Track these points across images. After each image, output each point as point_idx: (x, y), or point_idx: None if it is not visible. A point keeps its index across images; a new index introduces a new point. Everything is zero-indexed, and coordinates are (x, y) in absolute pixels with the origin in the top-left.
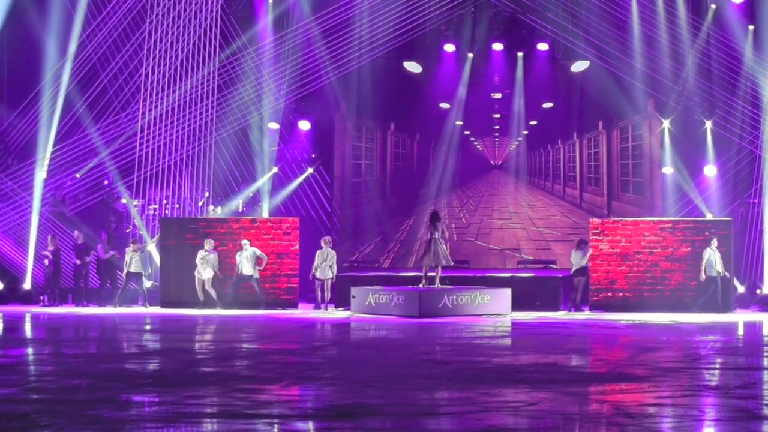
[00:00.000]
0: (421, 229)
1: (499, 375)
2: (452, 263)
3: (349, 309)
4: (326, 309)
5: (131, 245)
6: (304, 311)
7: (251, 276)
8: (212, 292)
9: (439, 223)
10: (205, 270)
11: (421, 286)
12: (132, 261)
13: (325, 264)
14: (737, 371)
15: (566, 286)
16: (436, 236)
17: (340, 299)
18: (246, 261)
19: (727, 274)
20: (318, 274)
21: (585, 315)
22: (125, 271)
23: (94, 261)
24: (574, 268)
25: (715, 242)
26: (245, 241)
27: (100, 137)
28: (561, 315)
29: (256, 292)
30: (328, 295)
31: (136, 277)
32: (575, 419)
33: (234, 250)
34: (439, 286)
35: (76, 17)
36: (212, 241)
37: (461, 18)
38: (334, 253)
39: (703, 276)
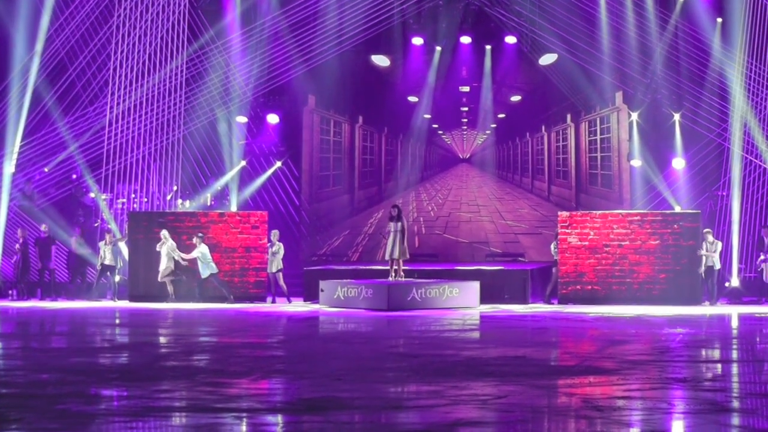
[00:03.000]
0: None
1: (468, 368)
2: (407, 257)
3: (317, 302)
4: (274, 302)
5: (106, 237)
6: (273, 306)
7: (212, 274)
8: (170, 287)
9: (396, 216)
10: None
11: (390, 279)
12: (106, 254)
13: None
14: (706, 364)
15: (538, 278)
16: (398, 229)
17: (309, 293)
18: (199, 263)
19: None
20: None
21: (553, 308)
22: (99, 264)
23: (64, 255)
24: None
25: (708, 237)
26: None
27: (68, 131)
28: (529, 308)
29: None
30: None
31: (110, 269)
32: (544, 412)
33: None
34: (401, 279)
35: (44, 11)
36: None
37: (429, 11)
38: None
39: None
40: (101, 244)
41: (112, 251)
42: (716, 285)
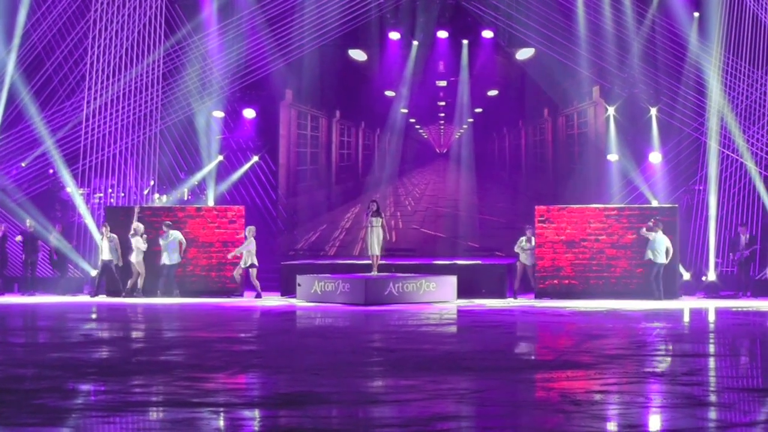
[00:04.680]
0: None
1: (445, 362)
2: (382, 252)
3: (294, 297)
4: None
5: (104, 229)
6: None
7: (170, 265)
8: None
9: (376, 211)
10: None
11: (373, 273)
12: (103, 249)
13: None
14: (683, 358)
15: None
16: (373, 224)
17: (286, 287)
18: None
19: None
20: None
21: (530, 302)
22: (100, 260)
23: (45, 251)
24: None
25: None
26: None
27: (45, 126)
28: (507, 302)
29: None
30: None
31: (107, 263)
32: (522, 406)
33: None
34: (376, 273)
35: (21, 6)
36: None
37: (406, 5)
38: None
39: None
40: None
41: (109, 246)
42: (660, 280)
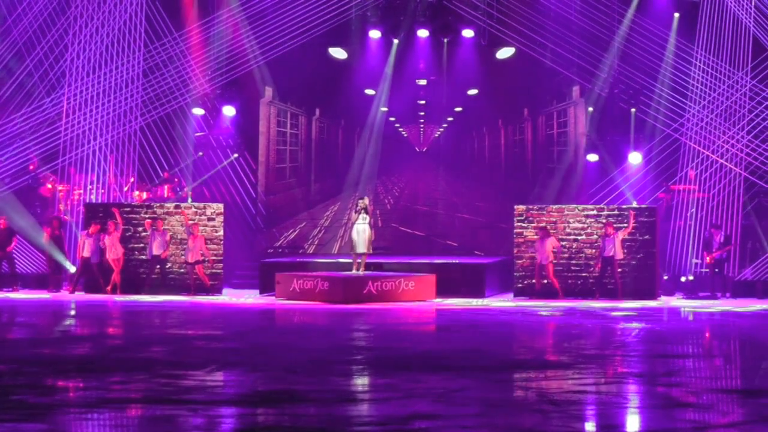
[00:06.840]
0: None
1: (424, 361)
2: (369, 251)
3: (273, 295)
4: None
5: (90, 227)
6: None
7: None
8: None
9: (363, 208)
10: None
11: (353, 272)
12: (86, 246)
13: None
14: (661, 358)
15: (495, 272)
16: (360, 222)
17: (265, 285)
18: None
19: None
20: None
21: (509, 302)
22: (81, 256)
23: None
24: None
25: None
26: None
27: (25, 122)
28: (485, 302)
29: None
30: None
31: (87, 260)
32: (499, 406)
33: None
34: (362, 272)
35: (1, 1)
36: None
37: (387, 4)
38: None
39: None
40: (82, 234)
41: (94, 243)
42: (616, 277)
